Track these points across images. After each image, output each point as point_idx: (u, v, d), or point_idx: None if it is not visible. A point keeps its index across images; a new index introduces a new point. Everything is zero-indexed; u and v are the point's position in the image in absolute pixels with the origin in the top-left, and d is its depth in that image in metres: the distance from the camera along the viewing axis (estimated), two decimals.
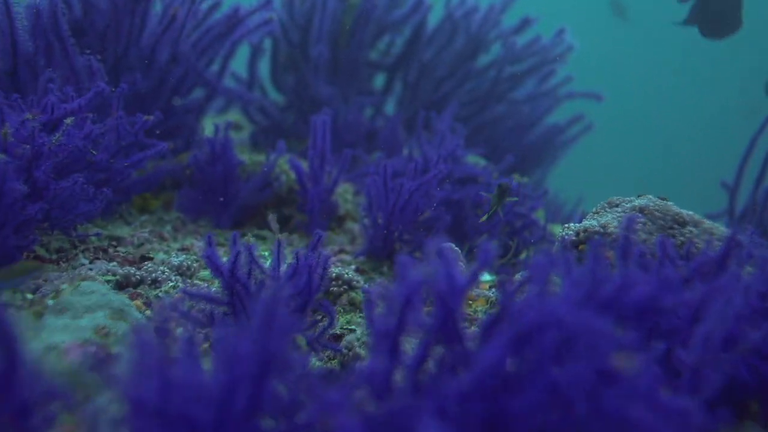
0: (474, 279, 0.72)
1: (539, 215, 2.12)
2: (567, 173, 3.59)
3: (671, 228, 1.11)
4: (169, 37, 1.84)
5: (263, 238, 1.61)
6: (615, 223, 1.09)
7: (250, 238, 1.58)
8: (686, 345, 0.76)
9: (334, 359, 1.00)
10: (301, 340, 0.91)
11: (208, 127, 3.15)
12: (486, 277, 1.59)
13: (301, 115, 2.58)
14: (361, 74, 2.72)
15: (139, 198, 1.62)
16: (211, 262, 0.86)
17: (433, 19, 2.76)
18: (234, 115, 2.84)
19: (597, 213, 1.18)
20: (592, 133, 3.08)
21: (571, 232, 1.11)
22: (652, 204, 1.12)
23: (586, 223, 1.12)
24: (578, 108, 2.99)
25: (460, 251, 1.32)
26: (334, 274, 1.26)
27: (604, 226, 1.09)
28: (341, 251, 1.50)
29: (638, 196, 1.32)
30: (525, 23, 2.86)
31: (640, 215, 1.10)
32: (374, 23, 2.63)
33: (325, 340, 0.94)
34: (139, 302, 1.01)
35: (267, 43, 2.53)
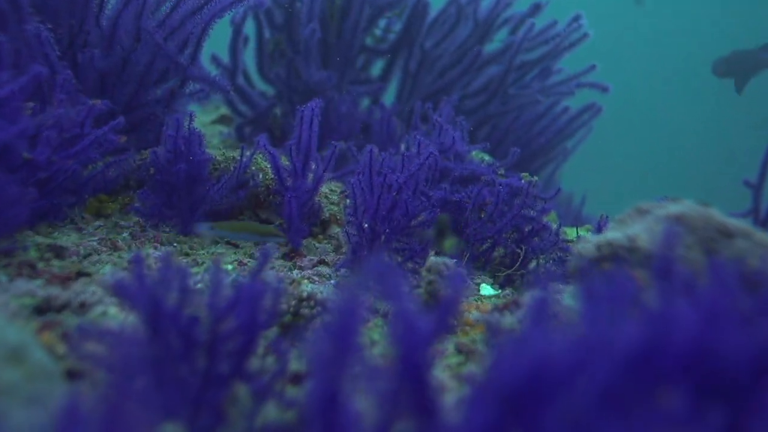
0: (443, 326, 0.51)
1: (551, 218, 1.91)
2: (570, 167, 3.36)
3: (715, 240, 0.89)
4: (131, 11, 1.64)
5: (235, 246, 1.41)
6: (646, 236, 0.88)
7: (214, 250, 1.38)
8: (758, 414, 0.56)
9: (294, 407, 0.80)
10: (244, 392, 0.71)
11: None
12: (488, 290, 1.38)
13: (291, 107, 2.38)
14: (355, 61, 2.51)
15: (94, 200, 1.42)
16: (123, 291, 0.66)
17: (437, 1, 2.55)
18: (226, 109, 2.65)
19: (622, 222, 0.97)
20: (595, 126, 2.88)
21: (590, 246, 0.90)
22: (691, 211, 0.90)
23: (609, 235, 0.91)
24: (580, 99, 2.77)
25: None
26: (305, 293, 1.05)
27: (632, 240, 0.88)
28: (320, 262, 1.29)
29: (672, 200, 1.10)
30: (536, 8, 2.64)
31: (677, 226, 0.89)
32: (369, 3, 2.41)
33: (277, 387, 0.74)
34: (51, 336, 0.81)
35: (251, 29, 2.33)
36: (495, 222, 1.49)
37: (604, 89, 2.62)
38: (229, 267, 1.21)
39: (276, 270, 1.26)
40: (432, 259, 1.01)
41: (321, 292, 1.07)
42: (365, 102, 2.61)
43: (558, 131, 2.98)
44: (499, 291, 1.36)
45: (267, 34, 2.48)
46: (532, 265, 1.56)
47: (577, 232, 1.79)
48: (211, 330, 0.68)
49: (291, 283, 1.12)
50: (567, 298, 0.96)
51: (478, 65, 2.53)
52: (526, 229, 1.50)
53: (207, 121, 2.92)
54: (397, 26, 2.56)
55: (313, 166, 1.45)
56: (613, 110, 2.87)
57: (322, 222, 1.51)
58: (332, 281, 1.21)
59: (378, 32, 2.60)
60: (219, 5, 1.68)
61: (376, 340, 1.00)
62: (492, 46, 2.58)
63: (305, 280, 1.17)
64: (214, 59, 2.27)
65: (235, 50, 2.28)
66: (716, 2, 17.92)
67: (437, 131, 1.85)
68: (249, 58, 2.51)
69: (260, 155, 1.58)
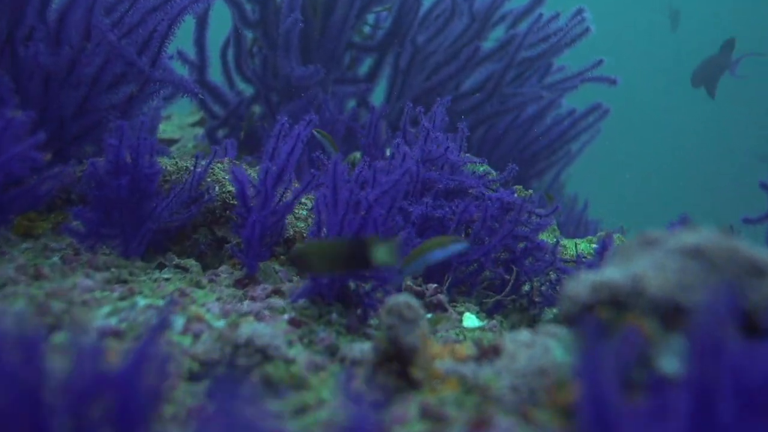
0: None
1: (551, 231, 1.73)
2: (573, 168, 3.17)
3: (743, 280, 0.71)
4: (81, 5, 1.47)
5: (185, 270, 1.24)
6: (655, 276, 0.70)
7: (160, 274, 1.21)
8: None
9: None
10: None
11: (168, 128, 2.80)
12: (473, 321, 1.20)
13: (270, 107, 2.20)
14: (342, 59, 2.33)
15: (23, 219, 1.25)
16: None
17: None
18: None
19: (625, 254, 0.78)
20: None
21: (584, 288, 0.72)
22: (710, 243, 0.72)
23: (608, 273, 0.72)
24: (582, 99, 2.59)
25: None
26: (243, 338, 0.88)
27: (636, 281, 0.70)
28: (275, 292, 1.11)
29: (683, 224, 0.92)
30: (536, 2, 2.46)
31: (694, 262, 0.71)
32: None
33: None
34: None
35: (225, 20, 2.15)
36: (483, 242, 1.31)
37: (612, 82, 2.43)
38: (142, 303, 1.03)
39: (222, 301, 1.08)
40: (392, 299, 0.82)
41: (264, 335, 0.89)
42: (351, 103, 2.43)
43: (561, 133, 2.79)
44: (485, 322, 1.18)
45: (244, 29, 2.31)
46: (525, 288, 1.37)
47: (576, 248, 1.61)
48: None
49: (228, 326, 0.94)
50: (558, 350, 0.77)
51: (475, 62, 2.35)
52: (518, 249, 1.32)
53: (187, 123, 2.75)
54: (387, 22, 2.38)
55: (286, 191, 1.26)
56: (615, 108, 2.68)
57: (286, 241, 1.33)
58: (286, 316, 1.03)
59: (366, 28, 2.42)
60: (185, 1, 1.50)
61: (324, 399, 0.82)
62: (489, 43, 2.40)
63: (251, 317, 1.00)
64: (180, 55, 2.09)
65: (201, 45, 2.10)
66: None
67: (423, 137, 1.68)
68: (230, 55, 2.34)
69: (219, 164, 1.40)
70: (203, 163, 1.34)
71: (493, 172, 1.80)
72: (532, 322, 1.32)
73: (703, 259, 0.72)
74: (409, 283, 1.24)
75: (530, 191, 1.52)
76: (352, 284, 1.11)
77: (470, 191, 1.40)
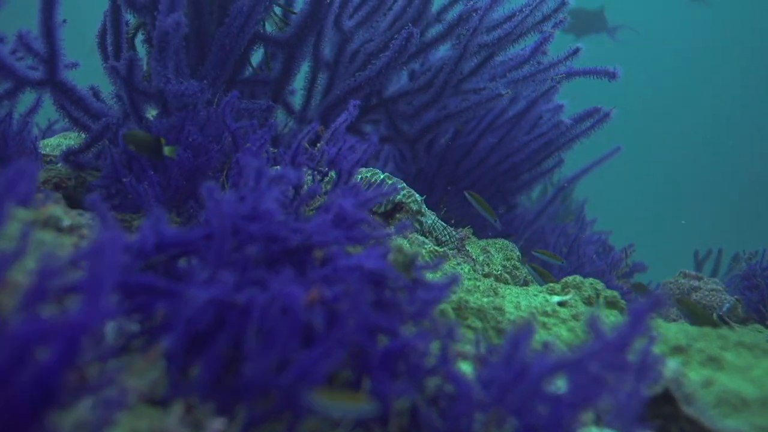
0: None
1: (552, 259, 1.18)
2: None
3: None
4: None
5: None
6: None
7: None
8: None
9: None
10: None
11: (50, 143, 2.28)
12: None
13: (141, 126, 1.65)
14: (248, 54, 1.79)
15: None
16: None
17: None
18: None
19: None
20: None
21: None
22: None
23: None
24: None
25: None
26: None
27: None
28: None
29: None
30: None
31: None
32: None
33: None
34: None
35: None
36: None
37: (612, 76, 1.84)
38: None
39: None
40: None
41: None
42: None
43: (547, 142, 2.22)
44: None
45: (127, 15, 1.78)
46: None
47: (519, 310, 1.04)
48: None
49: None
50: None
51: (415, 52, 1.79)
52: (378, 352, 0.76)
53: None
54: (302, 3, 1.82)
55: None
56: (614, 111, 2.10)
57: None
58: None
59: (277, 13, 1.87)
60: None
61: None
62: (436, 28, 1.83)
63: None
64: (22, 39, 1.55)
65: (49, 30, 1.56)
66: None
67: (296, 142, 1.14)
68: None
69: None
70: None
71: (416, 196, 1.23)
72: None
73: None
74: None
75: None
76: None
77: (318, 253, 0.84)
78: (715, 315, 1.88)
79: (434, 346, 0.79)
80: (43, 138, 2.61)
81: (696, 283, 2.19)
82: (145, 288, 0.72)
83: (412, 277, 0.85)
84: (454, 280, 0.81)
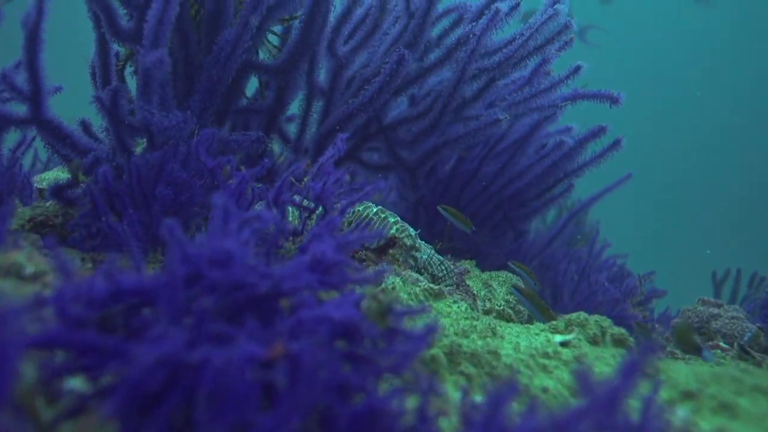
0: None
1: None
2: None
3: None
4: None
5: None
6: None
7: None
8: None
9: None
10: None
11: (48, 177, 2.24)
12: None
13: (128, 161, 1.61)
14: (240, 83, 1.75)
15: None
16: None
17: None
18: None
19: None
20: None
21: None
22: None
23: None
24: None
25: None
26: None
27: None
28: None
29: None
30: None
31: None
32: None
33: None
34: None
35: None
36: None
37: (614, 100, 1.76)
38: None
39: None
40: None
41: None
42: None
43: (553, 164, 2.14)
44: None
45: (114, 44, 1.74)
46: None
47: (518, 352, 0.97)
48: None
49: None
50: None
51: (414, 75, 1.73)
52: (345, 414, 0.69)
53: None
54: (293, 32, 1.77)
55: None
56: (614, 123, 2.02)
57: None
58: None
59: (272, 41, 1.83)
60: None
61: None
62: (435, 54, 1.77)
63: None
64: (5, 78, 1.52)
65: (33, 68, 1.53)
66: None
67: (280, 182, 1.08)
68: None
69: None
70: None
71: (395, 220, 1.17)
72: None
73: None
74: None
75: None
76: None
77: (284, 302, 0.77)
78: (736, 344, 1.78)
79: (413, 402, 0.72)
80: (45, 171, 2.58)
81: (716, 311, 2.09)
82: (87, 346, 0.66)
83: (388, 325, 0.77)
84: (431, 330, 0.74)
